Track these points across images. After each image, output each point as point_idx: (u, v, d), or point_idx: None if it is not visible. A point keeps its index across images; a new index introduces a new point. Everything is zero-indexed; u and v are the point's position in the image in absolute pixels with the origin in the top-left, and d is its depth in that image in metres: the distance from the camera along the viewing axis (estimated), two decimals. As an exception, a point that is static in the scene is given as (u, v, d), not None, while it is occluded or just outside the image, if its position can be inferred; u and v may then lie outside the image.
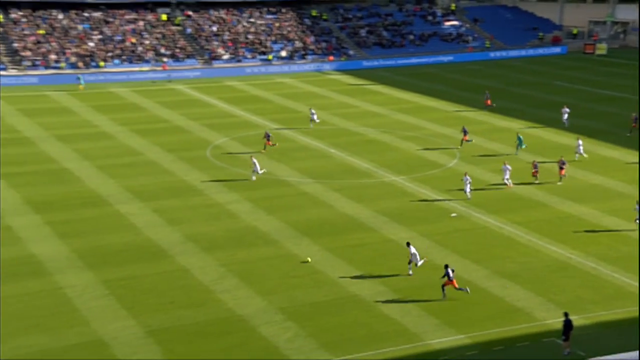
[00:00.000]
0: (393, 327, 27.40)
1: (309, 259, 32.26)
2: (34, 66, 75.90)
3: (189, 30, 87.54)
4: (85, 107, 63.41)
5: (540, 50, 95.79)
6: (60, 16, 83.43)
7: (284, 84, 76.86)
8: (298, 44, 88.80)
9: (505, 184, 43.01)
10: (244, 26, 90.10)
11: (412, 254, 31.16)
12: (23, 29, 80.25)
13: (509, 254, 33.95)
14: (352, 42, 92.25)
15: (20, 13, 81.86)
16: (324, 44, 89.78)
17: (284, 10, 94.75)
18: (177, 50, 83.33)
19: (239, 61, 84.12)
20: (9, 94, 67.65)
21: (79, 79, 71.02)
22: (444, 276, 29.45)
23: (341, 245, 34.65)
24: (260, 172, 43.73)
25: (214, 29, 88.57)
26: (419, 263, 31.15)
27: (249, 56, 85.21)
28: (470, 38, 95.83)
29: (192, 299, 29.34)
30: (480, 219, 38.32)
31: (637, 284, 30.74)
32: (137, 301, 28.98)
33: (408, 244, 31.63)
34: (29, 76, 73.67)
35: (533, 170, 43.92)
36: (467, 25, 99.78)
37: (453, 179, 44.04)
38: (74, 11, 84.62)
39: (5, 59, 75.89)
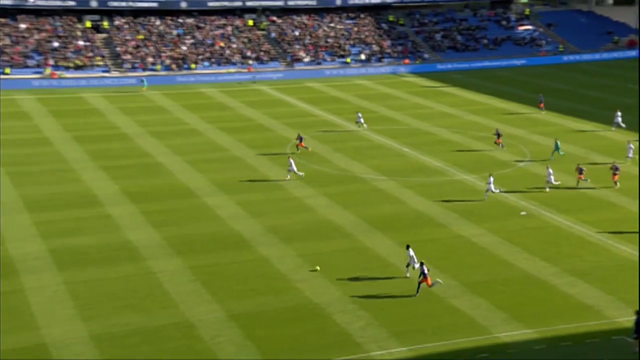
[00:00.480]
0: (462, 319, 27.02)
1: (318, 268, 30.99)
2: (133, 68, 78.25)
3: (273, 35, 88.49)
4: (177, 106, 64.92)
5: (615, 54, 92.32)
6: (158, 22, 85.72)
7: (361, 85, 76.71)
8: (375, 47, 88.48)
9: (554, 186, 41.18)
10: (324, 31, 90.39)
11: (410, 257, 30.05)
12: (125, 35, 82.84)
13: (579, 253, 32.93)
14: (427, 45, 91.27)
15: (123, 20, 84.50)
16: (399, 48, 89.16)
17: (362, 15, 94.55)
18: (262, 53, 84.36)
19: (319, 64, 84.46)
20: (111, 93, 69.95)
21: (142, 81, 72.49)
22: (420, 275, 28.55)
23: (412, 239, 34.35)
24: (298, 173, 42.82)
25: (297, 33, 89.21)
26: (417, 266, 29.83)
27: (328, 59, 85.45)
28: (543, 42, 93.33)
29: (271, 287, 29.67)
30: (550, 218, 37.31)
31: None
32: (221, 287, 29.52)
33: (407, 247, 30.47)
34: (128, 77, 75.96)
35: (579, 175, 41.81)
36: (541, 30, 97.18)
37: (523, 179, 43.02)
38: (169, 18, 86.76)
39: (109, 62, 78.56)
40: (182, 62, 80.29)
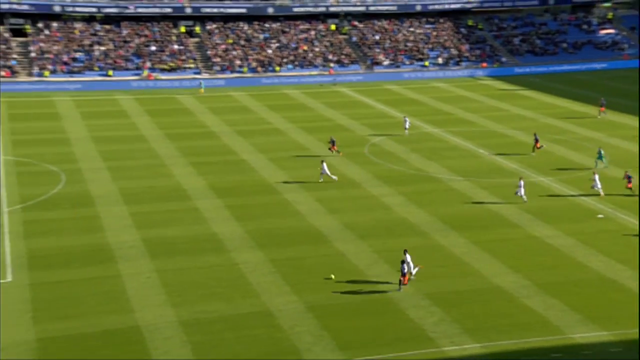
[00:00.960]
0: (535, 318, 26.30)
1: (333, 276, 29.75)
2: (222, 70, 79.90)
3: (354, 39, 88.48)
4: (262, 106, 65.84)
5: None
6: (246, 27, 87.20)
7: (438, 88, 75.71)
8: (453, 51, 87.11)
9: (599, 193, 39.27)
10: (403, 35, 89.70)
11: (407, 262, 28.96)
12: (215, 39, 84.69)
13: (655, 257, 31.43)
14: (505, 49, 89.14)
15: (214, 25, 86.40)
16: (477, 52, 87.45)
17: (441, 20, 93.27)
18: (343, 57, 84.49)
19: (397, 67, 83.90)
20: (201, 94, 71.61)
21: (200, 84, 73.31)
22: (405, 272, 28.21)
23: (486, 239, 33.68)
24: (331, 176, 41.85)
25: (377, 37, 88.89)
26: (414, 271, 29.19)
27: (407, 62, 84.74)
28: (625, 46, 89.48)
29: (348, 281, 29.68)
30: (627, 221, 35.79)
31: None
32: (299, 279, 29.76)
33: (405, 252, 29.51)
34: (217, 79, 77.61)
35: (628, 184, 39.67)
36: (624, 33, 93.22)
37: (601, 182, 41.41)
38: (257, 23, 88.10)
39: (200, 64, 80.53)
40: (267, 64, 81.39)
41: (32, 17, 79.23)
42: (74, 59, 76.24)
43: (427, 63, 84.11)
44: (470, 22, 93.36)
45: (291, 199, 39.73)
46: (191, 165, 46.21)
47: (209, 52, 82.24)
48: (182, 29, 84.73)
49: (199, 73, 78.69)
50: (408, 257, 29.33)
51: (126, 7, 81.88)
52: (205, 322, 26.29)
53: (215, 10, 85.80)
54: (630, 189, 39.81)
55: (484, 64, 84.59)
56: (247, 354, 24.45)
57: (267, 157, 48.32)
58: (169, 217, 36.79)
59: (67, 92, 69.81)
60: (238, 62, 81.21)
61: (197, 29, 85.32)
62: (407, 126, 54.29)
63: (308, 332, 25.71)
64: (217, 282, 29.58)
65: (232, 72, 79.85)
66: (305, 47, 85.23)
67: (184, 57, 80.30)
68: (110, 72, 75.45)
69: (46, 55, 75.74)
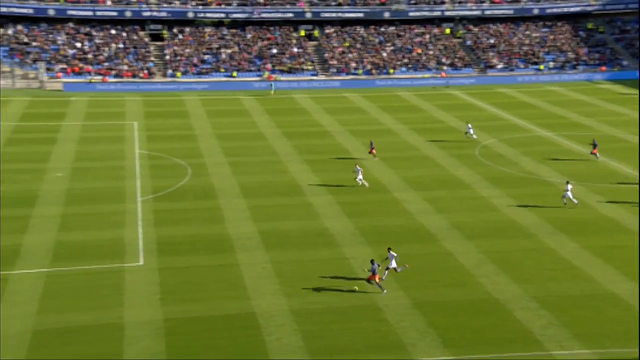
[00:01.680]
0: (648, 329, 24.74)
1: (356, 288, 28.19)
2: (338, 72, 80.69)
3: (468, 43, 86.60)
4: (375, 107, 65.84)
5: None
6: (362, 31, 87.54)
7: (553, 92, 72.63)
8: (570, 55, 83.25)
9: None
10: (519, 39, 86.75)
11: (389, 258, 28.49)
12: (333, 42, 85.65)
13: None
14: (627, 53, 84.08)
15: (332, 29, 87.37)
16: (596, 55, 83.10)
17: (559, 23, 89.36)
18: (456, 60, 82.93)
19: (511, 70, 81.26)
20: (317, 95, 72.70)
21: (271, 85, 73.26)
22: (371, 270, 27.52)
23: (599, 244, 32.03)
24: (359, 180, 40.62)
25: (491, 41, 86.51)
26: (399, 269, 28.60)
27: (521, 66, 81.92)
28: None
29: (454, 280, 29.21)
30: None
31: None
32: (406, 276, 29.58)
33: (389, 249, 28.87)
34: (333, 81, 78.45)
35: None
36: None
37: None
38: (373, 27, 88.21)
39: (317, 67, 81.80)
40: (381, 67, 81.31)
41: (169, 23, 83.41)
42: (203, 61, 79.59)
43: (542, 67, 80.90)
44: (590, 25, 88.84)
45: (400, 198, 39.53)
46: (306, 163, 46.95)
47: (326, 55, 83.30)
48: (302, 33, 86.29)
49: (316, 75, 79.87)
50: (393, 254, 28.76)
51: (251, 13, 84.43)
52: (315, 312, 26.72)
53: (333, 14, 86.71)
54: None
55: (603, 68, 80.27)
56: (354, 344, 24.63)
57: (379, 156, 48.26)
58: (283, 211, 37.59)
59: (195, 91, 72.96)
60: (353, 64, 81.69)
61: (316, 32, 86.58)
62: (470, 132, 51.96)
63: (413, 327, 25.53)
64: (328, 274, 29.96)
65: (347, 74, 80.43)
66: (419, 50, 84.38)
67: (302, 60, 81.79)
68: (235, 74, 78.13)
69: (179, 58, 79.54)
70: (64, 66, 75.34)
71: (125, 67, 76.61)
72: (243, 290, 28.46)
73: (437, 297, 27.71)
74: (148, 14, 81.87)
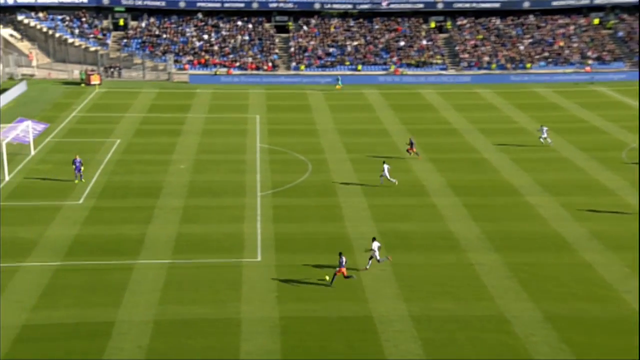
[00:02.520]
0: None
1: (327, 277, 28.74)
2: (469, 67, 78.99)
3: (620, 34, 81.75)
4: (508, 104, 63.84)
5: None
6: (498, 22, 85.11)
7: None
8: None
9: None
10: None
11: (372, 250, 29.79)
12: (465, 35, 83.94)
13: None
14: None
15: (465, 21, 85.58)
16: None
17: None
18: (604, 53, 78.56)
19: (668, 64, 75.96)
20: (445, 90, 71.61)
21: (338, 80, 71.88)
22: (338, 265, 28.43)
23: None
24: (390, 179, 40.51)
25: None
26: (381, 260, 29.73)
27: (680, 59, 76.34)
28: None
29: (594, 294, 27.76)
30: None
31: None
32: (538, 287, 28.49)
33: (373, 239, 30.24)
34: (463, 75, 76.92)
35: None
36: None
37: None
38: (510, 18, 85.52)
39: (447, 60, 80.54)
40: (518, 61, 78.65)
41: (295, 15, 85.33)
42: (328, 54, 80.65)
43: None
44: None
45: (534, 202, 38.11)
46: (431, 162, 46.39)
47: (457, 48, 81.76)
48: (432, 25, 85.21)
49: (445, 69, 78.68)
50: (376, 244, 29.81)
51: (379, 4, 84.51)
52: (436, 319, 26.36)
53: (467, 5, 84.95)
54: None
55: None
56: (478, 357, 24.04)
57: (510, 157, 46.81)
58: (405, 212, 37.37)
59: (318, 85, 74.07)
60: (486, 58, 79.60)
61: (448, 24, 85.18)
62: (544, 135, 49.06)
63: (545, 342, 24.53)
64: (451, 280, 29.45)
65: (479, 68, 78.55)
66: (562, 43, 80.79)
67: (431, 53, 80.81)
68: (360, 67, 78.55)
69: (303, 50, 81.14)
70: (191, 58, 79.14)
71: (250, 60, 79.22)
72: (361, 292, 28.58)
73: (572, 312, 26.46)
74: (275, 5, 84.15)
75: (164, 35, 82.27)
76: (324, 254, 32.15)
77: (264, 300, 27.94)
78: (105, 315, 26.58)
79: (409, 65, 79.01)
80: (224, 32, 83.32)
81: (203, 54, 79.95)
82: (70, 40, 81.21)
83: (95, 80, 70.96)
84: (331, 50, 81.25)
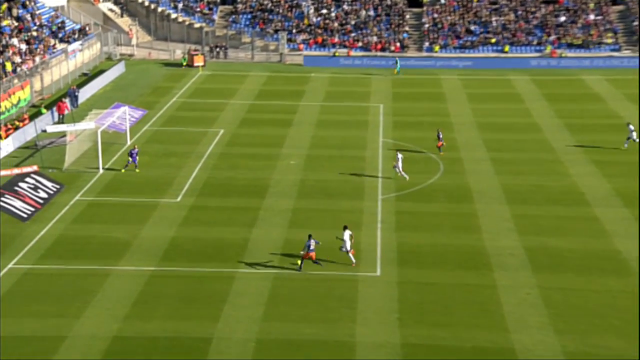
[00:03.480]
0: None
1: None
2: (647, 47, 75.30)
3: None
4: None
5: None
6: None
7: None
8: None
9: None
10: None
11: (343, 240, 32.15)
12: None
13: None
14: None
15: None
16: None
17: None
18: None
19: None
20: (617, 76, 68.42)
21: (396, 62, 71.07)
22: (305, 248, 31.14)
23: None
24: (401, 173, 41.89)
25: None
26: (348, 252, 32.07)
27: None
28: None
29: None
30: None
31: None
32: None
33: (345, 228, 32.50)
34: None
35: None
36: None
37: None
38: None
39: (621, 39, 76.86)
40: None
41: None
42: (468, 31, 79.36)
43: None
44: None
45: None
46: (593, 164, 44.74)
47: (635, 24, 77.87)
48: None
49: (618, 50, 75.35)
50: (347, 234, 32.19)
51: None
52: (596, 357, 25.30)
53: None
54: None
55: None
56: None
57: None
58: (559, 225, 36.26)
59: (455, 69, 73.19)
60: (670, 36, 75.58)
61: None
62: (633, 136, 46.51)
63: None
64: (616, 312, 28.23)
65: (661, 49, 74.69)
66: None
67: (600, 30, 77.60)
68: (507, 48, 76.82)
69: (439, 28, 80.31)
70: (306, 37, 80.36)
71: (375, 39, 79.43)
72: (500, 319, 27.98)
73: None
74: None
75: (277, 10, 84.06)
76: (456, 270, 31.72)
77: (382, 322, 27.91)
78: (202, 330, 27.46)
79: (570, 46, 76.30)
80: (345, 6, 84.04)
81: (320, 31, 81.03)
82: (173, 16, 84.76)
83: (198, 61, 73.62)
84: (473, 27, 79.91)
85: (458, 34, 79.37)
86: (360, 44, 79.22)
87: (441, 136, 47.41)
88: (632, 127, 48.29)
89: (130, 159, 44.20)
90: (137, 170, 44.20)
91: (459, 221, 36.97)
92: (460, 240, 34.85)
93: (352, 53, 77.96)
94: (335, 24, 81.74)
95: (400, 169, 42.31)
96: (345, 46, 78.98)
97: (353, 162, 46.17)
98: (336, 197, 40.42)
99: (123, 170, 44.07)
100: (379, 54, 77.90)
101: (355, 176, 43.59)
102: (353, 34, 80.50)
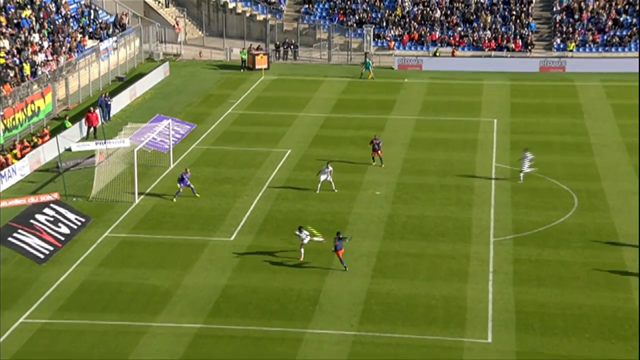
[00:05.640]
0: None
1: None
2: None
3: None
4: None
5: None
6: None
7: None
8: None
9: None
10: None
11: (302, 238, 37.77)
12: None
13: None
14: None
15: None
16: None
17: None
18: None
19: None
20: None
21: (365, 63, 71.13)
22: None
23: None
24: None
25: None
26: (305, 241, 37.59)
27: None
28: None
29: None
30: None
31: None
32: None
33: (300, 229, 37.79)
34: None
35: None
36: None
37: None
38: None
39: None
40: None
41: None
42: (617, 24, 77.88)
43: None
44: None
45: None
46: None
47: None
48: None
49: None
50: (303, 234, 37.73)
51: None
52: None
53: None
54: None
55: None
56: None
57: None
58: None
59: (597, 74, 72.01)
60: None
61: None
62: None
63: None
64: None
65: None
66: None
67: None
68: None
69: (577, 18, 79.13)
70: (399, 32, 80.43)
71: (488, 34, 79.00)
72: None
73: None
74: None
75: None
76: (596, 341, 31.13)
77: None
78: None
79: None
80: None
81: (417, 25, 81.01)
82: (230, 5, 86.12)
83: (261, 63, 74.48)
84: (621, 18, 78.52)
85: (601, 26, 78.03)
86: (468, 40, 78.84)
87: (377, 143, 49.60)
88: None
89: (180, 185, 44.78)
90: (197, 195, 44.80)
91: (599, 275, 36.24)
92: (602, 299, 34.18)
93: (459, 53, 77.73)
94: (437, 15, 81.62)
95: (329, 179, 45.79)
96: (449, 44, 78.81)
97: (457, 193, 45.89)
98: (434, 239, 40.16)
99: (174, 200, 44.71)
100: (493, 54, 77.45)
101: (460, 211, 43.26)
102: (460, 28, 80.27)
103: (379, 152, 49.63)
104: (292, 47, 79.81)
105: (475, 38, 78.98)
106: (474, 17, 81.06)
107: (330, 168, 45.90)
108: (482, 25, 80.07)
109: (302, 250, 37.60)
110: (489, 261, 37.71)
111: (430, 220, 42.37)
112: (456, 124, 59.06)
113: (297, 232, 37.92)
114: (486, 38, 78.67)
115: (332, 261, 37.64)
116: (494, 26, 79.83)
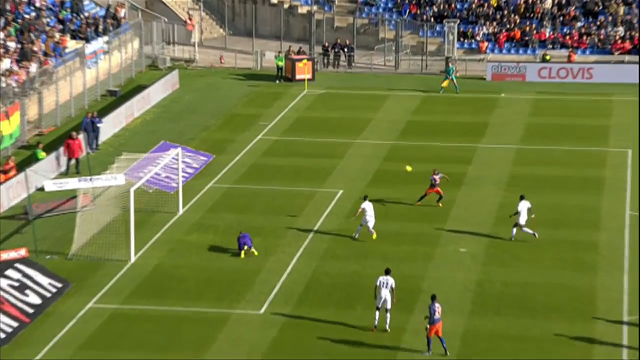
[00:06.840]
0: None
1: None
2: None
3: None
4: None
5: None
6: None
7: None
8: None
9: None
10: None
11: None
12: None
13: None
14: None
15: None
16: None
17: None
18: None
19: None
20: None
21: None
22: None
23: None
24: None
25: None
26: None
27: None
28: None
29: None
30: None
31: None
32: None
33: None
34: None
35: None
36: None
37: None
38: None
39: None
40: None
41: None
42: None
43: None
44: None
45: None
46: None
47: None
48: None
49: None
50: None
51: None
52: None
53: None
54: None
55: None
56: None
57: None
58: None
59: None
60: None
61: None
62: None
63: None
64: None
65: None
66: None
67: None
68: None
69: None
70: (493, 29, 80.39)
71: (619, 31, 78.69)
72: None
73: None
74: None
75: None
76: None
77: None
78: None
79: None
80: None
81: (518, 19, 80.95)
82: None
83: (303, 72, 74.75)
84: None
85: None
86: (590, 39, 78.57)
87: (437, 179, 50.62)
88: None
89: (241, 245, 45.26)
90: (255, 254, 45.27)
91: None
92: None
93: (577, 57, 77.51)
94: (547, 4, 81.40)
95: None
96: (564, 45, 78.65)
97: (575, 251, 45.84)
98: (543, 315, 39.98)
99: (243, 256, 45.13)
100: (626, 58, 76.99)
101: (580, 277, 43.05)
102: (579, 24, 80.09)
103: (437, 188, 49.79)
104: (345, 50, 79.93)
105: (601, 37, 78.62)
106: (600, 7, 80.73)
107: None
108: (610, 19, 79.74)
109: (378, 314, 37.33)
110: (621, 350, 37.31)
111: (537, 289, 42.22)
112: (573, 155, 59.13)
113: None
114: (617, 37, 78.27)
115: (401, 338, 37.38)
116: (628, 19, 79.39)
